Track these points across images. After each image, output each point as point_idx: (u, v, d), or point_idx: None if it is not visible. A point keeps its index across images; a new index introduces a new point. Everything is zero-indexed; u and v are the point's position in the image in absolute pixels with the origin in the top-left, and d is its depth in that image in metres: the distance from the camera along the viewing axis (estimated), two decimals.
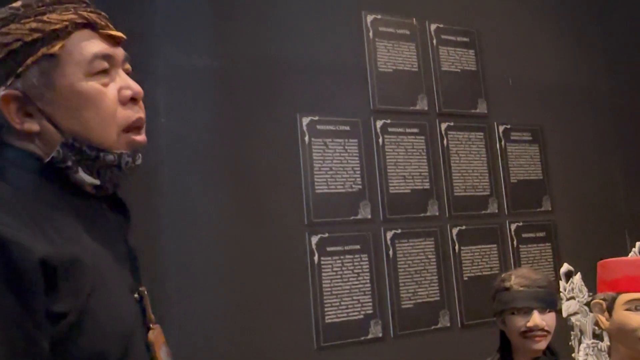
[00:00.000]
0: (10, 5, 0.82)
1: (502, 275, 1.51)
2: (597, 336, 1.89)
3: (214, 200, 2.16)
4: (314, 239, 2.27)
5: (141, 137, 0.87)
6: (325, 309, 2.24)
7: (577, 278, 1.87)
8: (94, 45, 0.83)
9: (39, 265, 0.69)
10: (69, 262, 0.73)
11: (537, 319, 1.41)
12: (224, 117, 2.24)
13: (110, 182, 0.86)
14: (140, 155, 0.87)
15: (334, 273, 2.29)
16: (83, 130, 0.81)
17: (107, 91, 0.83)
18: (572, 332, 1.86)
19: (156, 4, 2.20)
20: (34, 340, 0.69)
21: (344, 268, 2.31)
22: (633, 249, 1.73)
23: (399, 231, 2.44)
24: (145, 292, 0.87)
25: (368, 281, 2.34)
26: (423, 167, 2.55)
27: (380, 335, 2.31)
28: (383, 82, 2.53)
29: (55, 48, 0.80)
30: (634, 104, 3.05)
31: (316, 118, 2.36)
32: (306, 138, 2.34)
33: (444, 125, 2.64)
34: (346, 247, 2.33)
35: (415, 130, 2.57)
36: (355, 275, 2.32)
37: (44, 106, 0.80)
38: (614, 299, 1.38)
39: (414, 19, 2.67)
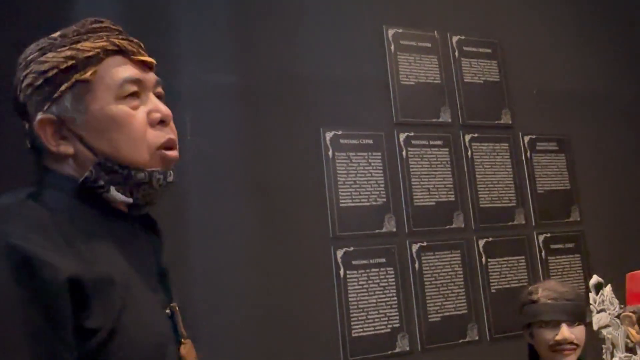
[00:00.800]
0: (49, 36, 0.88)
1: (529, 288, 1.50)
2: (630, 349, 1.84)
3: (240, 215, 2.19)
4: (340, 253, 2.28)
5: (173, 153, 0.90)
6: (352, 323, 2.24)
7: (608, 290, 1.83)
8: (124, 70, 0.87)
9: (67, 284, 0.72)
10: (99, 279, 0.76)
11: (566, 332, 1.39)
12: (248, 134, 2.27)
13: (144, 199, 0.89)
14: (172, 172, 0.90)
15: (360, 287, 2.29)
16: (113, 151, 0.85)
17: (136, 114, 0.86)
18: (603, 346, 1.82)
19: (180, 24, 2.26)
20: (60, 357, 0.71)
21: (369, 281, 2.31)
22: None
23: (425, 244, 2.43)
24: (177, 308, 0.89)
25: (394, 294, 2.33)
26: (448, 179, 2.54)
27: (408, 349, 2.30)
28: (405, 95, 2.54)
29: (87, 74, 0.85)
30: None
31: (339, 132, 2.38)
32: (330, 152, 2.35)
33: (467, 137, 2.63)
34: (372, 261, 2.33)
35: (439, 142, 2.56)
36: (382, 288, 2.32)
37: (77, 129, 0.85)
38: None
39: (435, 32, 2.68)
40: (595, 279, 1.76)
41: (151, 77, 0.91)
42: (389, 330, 2.29)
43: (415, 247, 2.41)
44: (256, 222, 2.22)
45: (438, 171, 2.53)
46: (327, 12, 2.49)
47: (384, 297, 2.31)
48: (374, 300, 2.29)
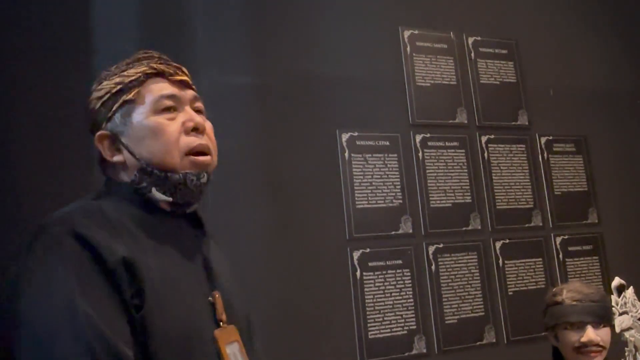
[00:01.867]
0: (108, 68, 1.08)
1: (554, 290, 1.49)
2: None
3: (256, 216, 2.18)
4: (356, 254, 2.27)
5: (203, 158, 1.04)
6: (369, 325, 2.23)
7: (630, 292, 1.81)
8: (161, 88, 1.04)
9: (122, 262, 0.87)
10: (142, 265, 0.89)
11: (592, 334, 1.37)
12: (264, 135, 2.27)
13: (183, 199, 1.03)
14: (205, 174, 1.04)
15: (377, 288, 2.28)
16: (151, 157, 1.00)
17: (171, 123, 1.02)
18: (626, 348, 1.80)
19: (197, 27, 2.26)
20: (121, 323, 0.85)
21: (386, 283, 2.29)
22: None
23: (441, 245, 2.42)
24: (217, 296, 1.00)
25: (411, 296, 2.32)
26: (464, 181, 2.53)
27: (425, 351, 2.29)
28: (422, 97, 2.53)
29: (131, 94, 1.03)
30: None
31: (356, 134, 2.38)
32: (346, 154, 2.35)
33: (484, 138, 2.62)
34: (388, 262, 2.32)
35: (455, 143, 2.55)
36: (398, 290, 2.31)
37: (124, 140, 1.02)
38: None
39: (451, 33, 2.67)
40: (617, 281, 1.75)
41: (188, 93, 1.08)
42: (405, 332, 2.28)
43: (431, 249, 2.40)
44: (272, 224, 2.21)
45: (454, 172, 2.52)
46: (343, 13, 2.49)
47: (400, 299, 2.30)
48: (391, 302, 2.28)
